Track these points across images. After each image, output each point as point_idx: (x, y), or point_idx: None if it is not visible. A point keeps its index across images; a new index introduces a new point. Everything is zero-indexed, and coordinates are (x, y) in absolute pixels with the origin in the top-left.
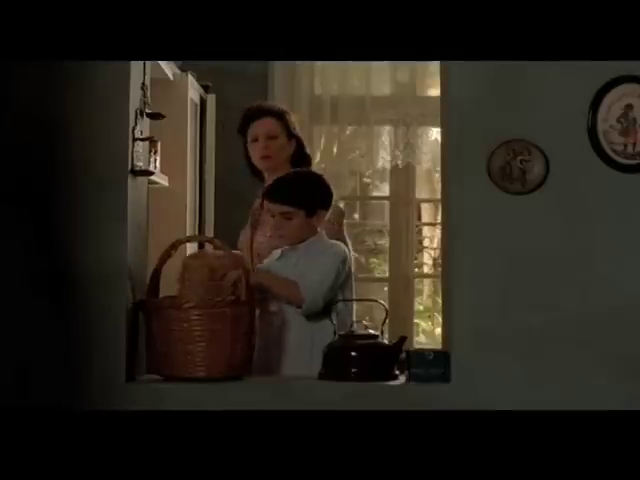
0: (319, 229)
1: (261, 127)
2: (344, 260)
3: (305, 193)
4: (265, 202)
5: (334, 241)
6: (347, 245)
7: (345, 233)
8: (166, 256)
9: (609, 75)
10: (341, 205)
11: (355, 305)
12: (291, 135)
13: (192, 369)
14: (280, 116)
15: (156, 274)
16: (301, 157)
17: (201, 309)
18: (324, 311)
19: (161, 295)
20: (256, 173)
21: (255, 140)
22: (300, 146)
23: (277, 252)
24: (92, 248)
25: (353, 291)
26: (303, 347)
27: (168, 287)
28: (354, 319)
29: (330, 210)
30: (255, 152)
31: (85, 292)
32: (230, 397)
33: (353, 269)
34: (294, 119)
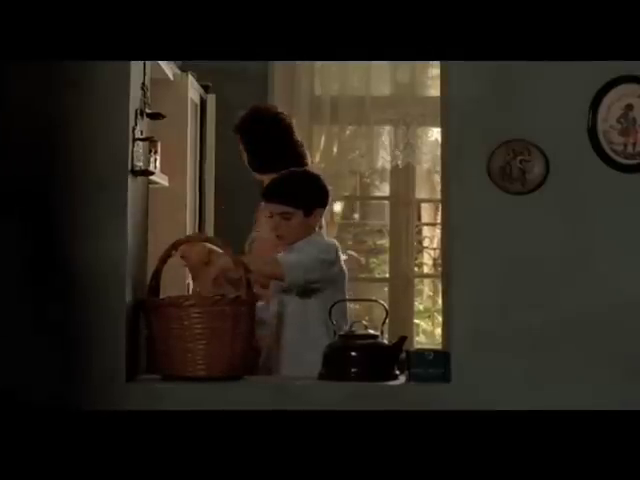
0: (317, 228)
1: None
2: (326, 250)
3: (303, 193)
4: (264, 202)
5: (331, 240)
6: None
7: (324, 232)
8: (166, 256)
9: (609, 75)
10: (337, 206)
11: (355, 305)
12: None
13: (192, 368)
14: None
15: (156, 274)
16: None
17: (201, 307)
18: (307, 293)
19: (161, 295)
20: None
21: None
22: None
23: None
24: (92, 248)
25: (345, 293)
26: (303, 347)
27: (168, 287)
28: (351, 319)
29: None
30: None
31: (85, 292)
32: (230, 397)
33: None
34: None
